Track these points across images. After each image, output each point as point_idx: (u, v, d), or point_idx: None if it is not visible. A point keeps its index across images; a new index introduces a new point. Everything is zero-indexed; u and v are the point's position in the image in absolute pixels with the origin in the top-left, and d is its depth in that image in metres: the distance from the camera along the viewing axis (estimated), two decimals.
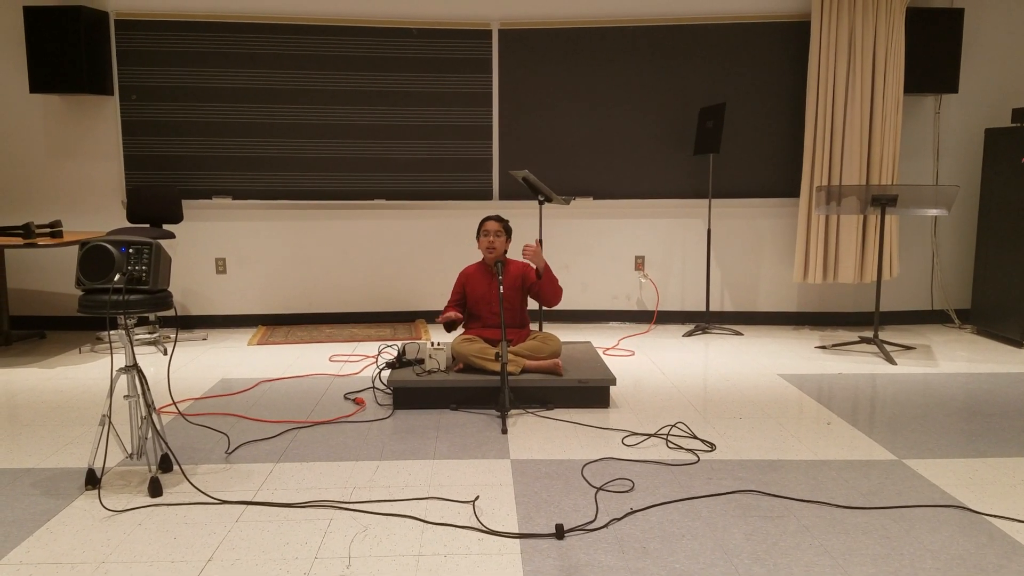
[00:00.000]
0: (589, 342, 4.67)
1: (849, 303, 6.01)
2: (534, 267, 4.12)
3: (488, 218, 4.15)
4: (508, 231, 4.16)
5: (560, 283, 5.88)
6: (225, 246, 5.84)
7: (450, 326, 4.11)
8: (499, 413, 3.73)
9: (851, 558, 2.38)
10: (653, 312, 6.06)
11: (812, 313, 6.04)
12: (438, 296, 5.98)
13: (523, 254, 4.04)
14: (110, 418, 2.90)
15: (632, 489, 2.89)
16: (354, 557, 2.39)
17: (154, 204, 5.36)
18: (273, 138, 5.73)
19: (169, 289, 2.94)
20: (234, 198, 5.76)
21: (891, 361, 4.81)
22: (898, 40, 5.40)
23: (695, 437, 3.47)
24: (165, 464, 3.05)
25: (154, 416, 2.91)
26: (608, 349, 5.21)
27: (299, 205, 5.85)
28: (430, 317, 6.03)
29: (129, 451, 2.97)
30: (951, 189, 4.75)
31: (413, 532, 2.55)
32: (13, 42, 5.51)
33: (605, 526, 2.59)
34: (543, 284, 4.09)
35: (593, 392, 3.89)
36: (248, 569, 2.32)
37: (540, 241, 4.96)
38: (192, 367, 4.73)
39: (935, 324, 6.03)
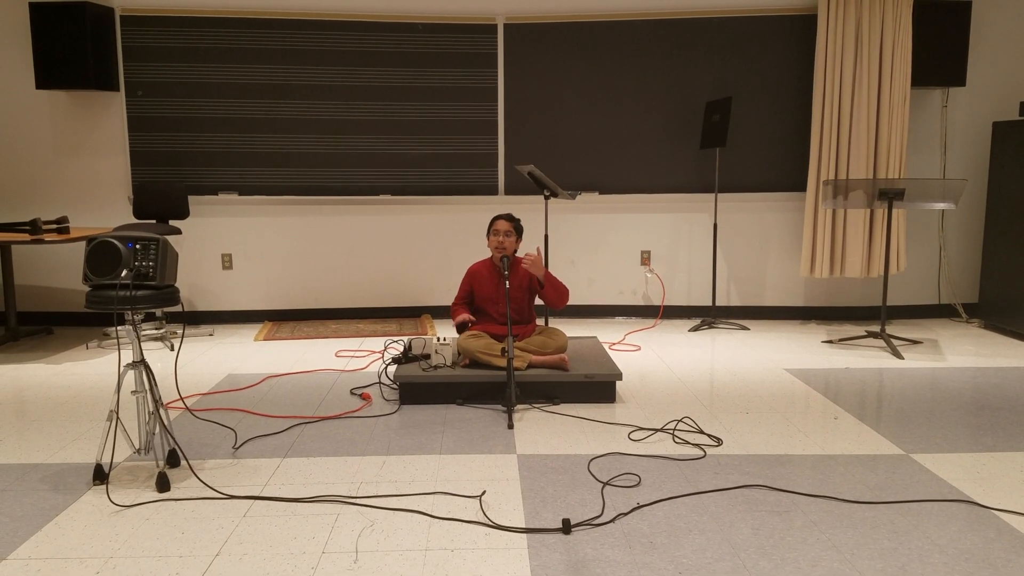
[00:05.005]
0: (595, 337, 4.67)
1: (856, 297, 5.99)
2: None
3: (499, 217, 4.09)
4: (519, 230, 4.10)
5: (566, 280, 5.92)
6: (231, 242, 5.85)
7: (462, 327, 4.11)
8: (505, 408, 3.73)
9: (858, 552, 2.37)
10: (659, 307, 6.05)
11: (819, 307, 6.02)
12: (444, 291, 5.98)
13: (522, 264, 4.03)
14: (117, 413, 2.91)
15: (639, 484, 2.89)
16: (361, 551, 2.39)
17: (160, 200, 5.36)
18: (279, 134, 5.73)
19: (176, 285, 2.94)
20: (240, 194, 5.77)
21: (898, 355, 4.79)
22: (905, 33, 5.37)
23: (702, 432, 3.47)
24: (172, 459, 3.06)
25: (161, 411, 2.92)
26: (614, 344, 5.20)
27: (305, 201, 5.85)
28: (436, 312, 6.04)
29: (136, 446, 2.98)
30: (958, 183, 4.72)
31: (420, 527, 2.55)
32: (19, 38, 5.52)
33: (612, 521, 2.59)
34: (546, 292, 4.08)
35: (599, 387, 3.89)
36: (256, 563, 2.32)
37: (547, 237, 4.96)
38: (199, 363, 4.75)
39: (942, 318, 6.01)
